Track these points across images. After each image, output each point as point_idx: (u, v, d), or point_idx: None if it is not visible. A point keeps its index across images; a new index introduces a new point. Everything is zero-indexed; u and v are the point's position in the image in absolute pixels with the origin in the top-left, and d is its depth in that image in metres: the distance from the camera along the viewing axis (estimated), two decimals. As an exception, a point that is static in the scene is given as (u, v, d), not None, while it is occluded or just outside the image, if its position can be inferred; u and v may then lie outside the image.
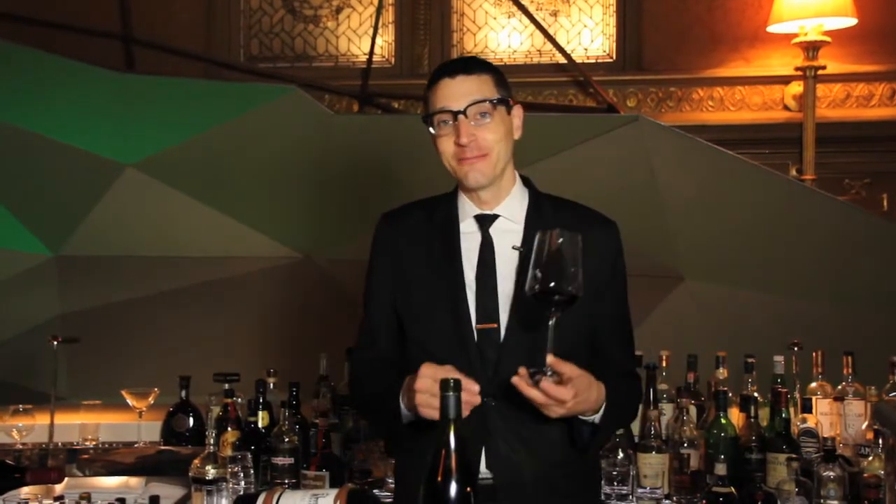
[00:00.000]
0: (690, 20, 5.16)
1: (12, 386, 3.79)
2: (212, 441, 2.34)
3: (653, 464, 2.58)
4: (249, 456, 2.38)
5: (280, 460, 2.62)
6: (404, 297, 2.08)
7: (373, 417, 2.22)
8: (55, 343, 3.11)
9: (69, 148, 3.51)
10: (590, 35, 5.29)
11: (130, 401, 3.06)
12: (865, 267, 3.71)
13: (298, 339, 3.91)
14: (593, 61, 5.28)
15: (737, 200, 3.67)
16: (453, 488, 1.55)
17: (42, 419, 3.03)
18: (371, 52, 5.01)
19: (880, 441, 2.49)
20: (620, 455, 2.51)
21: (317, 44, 5.39)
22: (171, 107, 3.57)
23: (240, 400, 2.86)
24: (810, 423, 2.70)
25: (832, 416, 2.85)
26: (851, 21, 4.82)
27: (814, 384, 2.94)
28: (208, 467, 2.29)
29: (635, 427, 2.66)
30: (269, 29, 5.41)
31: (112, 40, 4.57)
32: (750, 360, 2.89)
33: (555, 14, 5.28)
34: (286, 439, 2.64)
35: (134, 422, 3.10)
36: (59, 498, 2.39)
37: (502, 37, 5.32)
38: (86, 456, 2.88)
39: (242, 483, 2.28)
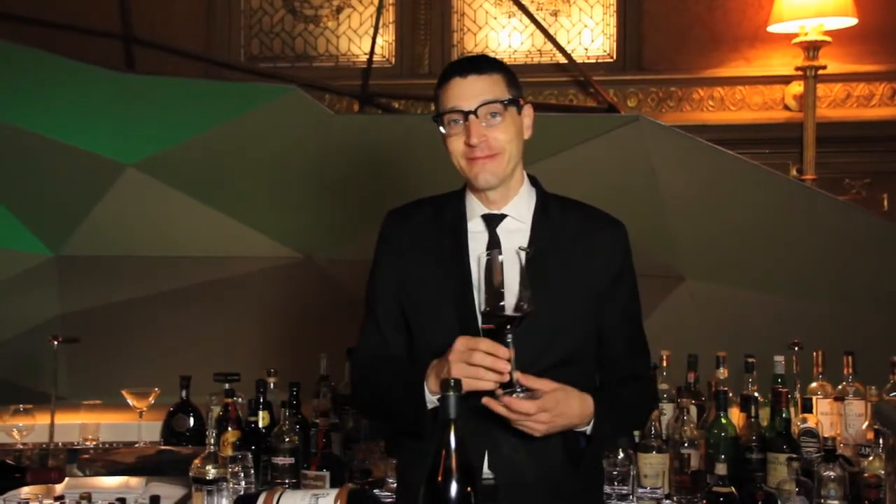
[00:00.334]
0: (691, 20, 5.16)
1: (12, 386, 3.80)
2: (212, 441, 2.34)
3: (653, 464, 2.58)
4: (250, 456, 2.38)
5: (280, 460, 2.62)
6: (410, 295, 2.07)
7: (389, 410, 2.10)
8: (55, 343, 3.11)
9: (69, 148, 3.51)
10: (590, 35, 5.29)
11: (131, 401, 3.06)
12: (865, 267, 3.71)
13: (299, 339, 3.91)
14: (594, 61, 5.28)
15: (737, 200, 3.67)
16: (454, 488, 1.55)
17: (42, 419, 3.03)
18: (371, 52, 5.01)
19: (881, 441, 2.49)
20: (621, 455, 2.50)
21: (317, 44, 5.39)
22: (171, 107, 3.57)
23: (240, 400, 2.86)
24: (811, 423, 2.70)
25: (832, 415, 2.85)
26: (852, 21, 4.82)
27: (814, 384, 2.93)
28: (209, 467, 2.29)
29: (636, 427, 2.66)
30: (269, 29, 5.42)
31: (112, 40, 4.57)
32: (750, 359, 2.88)
33: (555, 14, 5.29)
34: (286, 439, 2.64)
35: (134, 422, 3.10)
36: (60, 498, 2.39)
37: (503, 37, 5.32)
38: (86, 456, 2.87)
39: (243, 483, 2.28)
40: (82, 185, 3.66)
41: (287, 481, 2.58)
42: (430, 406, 1.94)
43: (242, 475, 2.28)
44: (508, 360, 1.85)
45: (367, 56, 5.06)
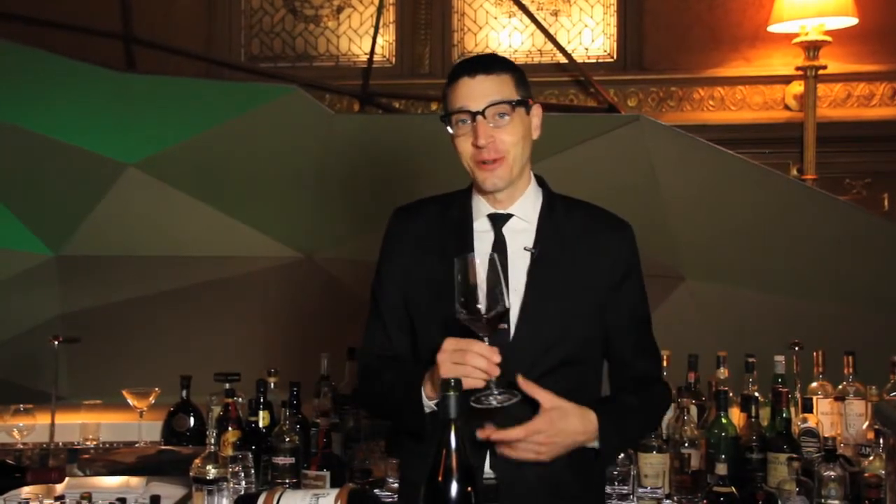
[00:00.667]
0: (691, 20, 5.16)
1: (13, 385, 3.80)
2: (212, 441, 2.34)
3: (653, 463, 2.58)
4: (250, 456, 2.39)
5: (281, 460, 2.62)
6: (414, 294, 2.07)
7: (390, 409, 2.11)
8: (56, 343, 3.11)
9: (70, 148, 3.51)
10: (590, 35, 5.29)
11: (131, 400, 3.06)
12: (865, 267, 3.71)
13: (299, 339, 3.91)
14: (594, 61, 5.28)
15: (737, 200, 3.67)
16: (454, 488, 1.55)
17: (43, 419, 3.03)
18: (372, 52, 5.02)
19: (881, 441, 2.49)
20: (621, 455, 2.50)
21: (317, 43, 5.39)
22: (171, 107, 3.57)
23: (240, 400, 2.86)
24: (811, 423, 2.70)
25: (833, 415, 2.85)
26: (852, 21, 4.82)
27: (814, 384, 2.93)
28: (209, 467, 2.29)
29: (636, 427, 2.66)
30: (269, 28, 5.41)
31: (112, 40, 4.58)
32: (751, 359, 2.88)
33: (555, 14, 5.28)
34: (287, 439, 2.64)
35: (135, 421, 3.10)
36: (60, 498, 2.39)
37: (503, 36, 5.32)
38: (86, 456, 2.87)
39: (243, 483, 2.29)
40: (83, 185, 3.66)
41: (287, 481, 2.58)
42: (427, 410, 1.94)
43: (243, 475, 2.29)
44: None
45: (368, 56, 5.06)
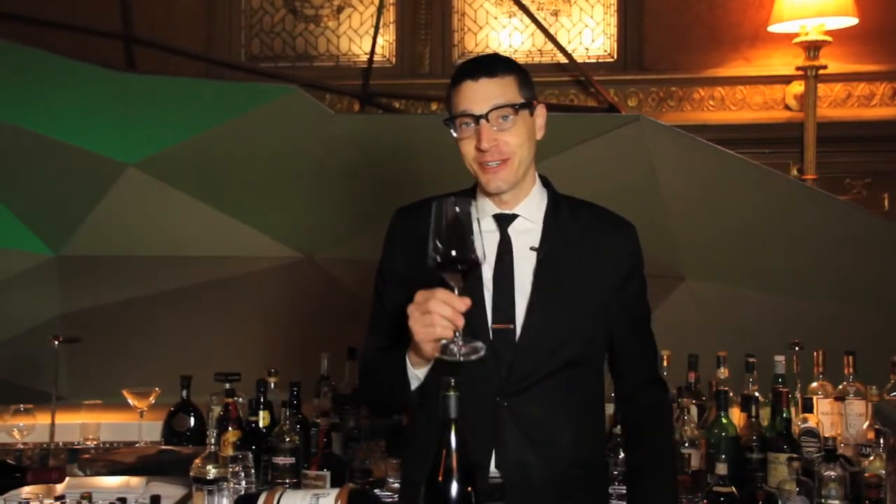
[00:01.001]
0: (691, 20, 5.16)
1: (13, 385, 3.80)
2: (213, 441, 2.34)
3: (654, 463, 2.58)
4: (250, 455, 2.39)
5: (281, 460, 2.63)
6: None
7: (384, 389, 2.06)
8: (56, 343, 3.11)
9: (70, 147, 3.51)
10: (591, 35, 5.29)
11: (131, 400, 3.06)
12: (866, 267, 3.71)
13: (299, 339, 3.91)
14: (594, 61, 5.28)
15: (737, 200, 3.67)
16: (454, 488, 1.55)
17: (43, 419, 3.03)
18: (372, 52, 5.01)
19: (881, 441, 2.49)
20: (621, 455, 2.50)
21: (318, 43, 5.38)
22: (171, 107, 3.57)
23: (241, 399, 2.86)
24: (811, 423, 2.70)
25: (833, 415, 2.85)
26: (852, 21, 4.82)
27: (815, 384, 2.94)
28: (209, 467, 2.29)
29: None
30: (269, 28, 5.41)
31: (113, 40, 4.57)
32: (751, 359, 2.89)
33: (556, 14, 5.28)
34: (287, 439, 2.64)
35: (135, 421, 3.10)
36: (60, 498, 2.39)
37: (503, 36, 5.32)
38: (87, 455, 2.87)
39: (243, 483, 2.29)
40: (83, 185, 3.65)
41: (287, 481, 2.58)
42: (412, 380, 1.91)
43: (243, 475, 2.29)
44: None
45: (368, 56, 5.06)
